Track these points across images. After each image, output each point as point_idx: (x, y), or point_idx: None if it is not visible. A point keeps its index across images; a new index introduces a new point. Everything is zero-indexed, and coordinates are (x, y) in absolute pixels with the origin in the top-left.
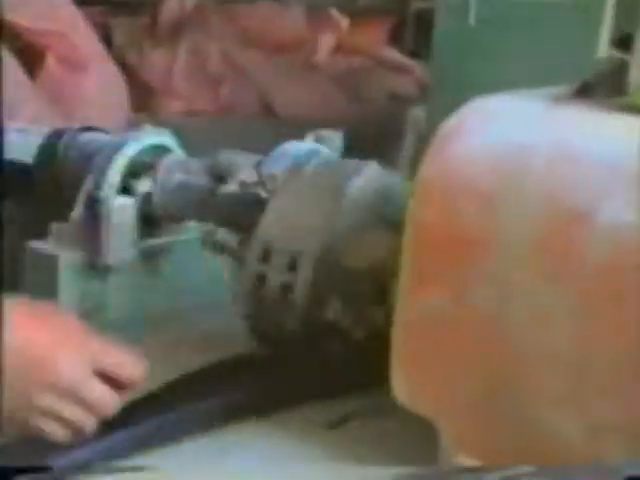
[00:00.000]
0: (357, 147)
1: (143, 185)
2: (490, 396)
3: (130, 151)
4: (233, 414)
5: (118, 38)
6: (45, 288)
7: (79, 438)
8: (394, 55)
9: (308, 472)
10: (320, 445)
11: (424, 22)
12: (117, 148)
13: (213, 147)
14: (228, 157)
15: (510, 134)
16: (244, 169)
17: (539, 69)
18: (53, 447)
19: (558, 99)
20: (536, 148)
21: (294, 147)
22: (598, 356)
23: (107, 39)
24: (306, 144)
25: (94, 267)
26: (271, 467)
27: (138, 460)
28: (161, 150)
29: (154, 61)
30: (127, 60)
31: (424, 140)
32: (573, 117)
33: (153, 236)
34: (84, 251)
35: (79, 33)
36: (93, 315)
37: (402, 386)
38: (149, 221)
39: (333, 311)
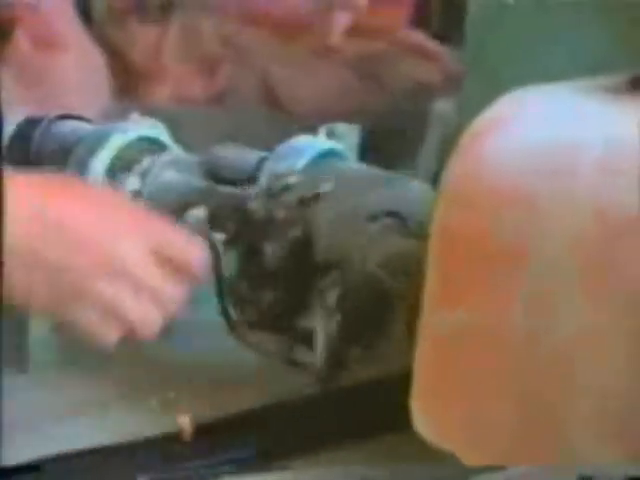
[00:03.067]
0: (375, 144)
1: (130, 183)
2: (528, 427)
3: (116, 144)
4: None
5: (98, 12)
6: None
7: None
8: (419, 39)
9: None
10: None
11: (452, 1)
12: (101, 140)
13: (207, 140)
14: (226, 152)
15: (555, 130)
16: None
17: (588, 56)
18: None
19: (609, 91)
20: (585, 147)
21: (304, 143)
22: None
23: (86, 13)
24: (318, 140)
25: None
26: None
27: None
28: (151, 143)
29: (140, 39)
30: (109, 38)
31: (452, 136)
32: (628, 112)
33: None
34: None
35: (53, 6)
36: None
37: (424, 416)
38: None
39: None
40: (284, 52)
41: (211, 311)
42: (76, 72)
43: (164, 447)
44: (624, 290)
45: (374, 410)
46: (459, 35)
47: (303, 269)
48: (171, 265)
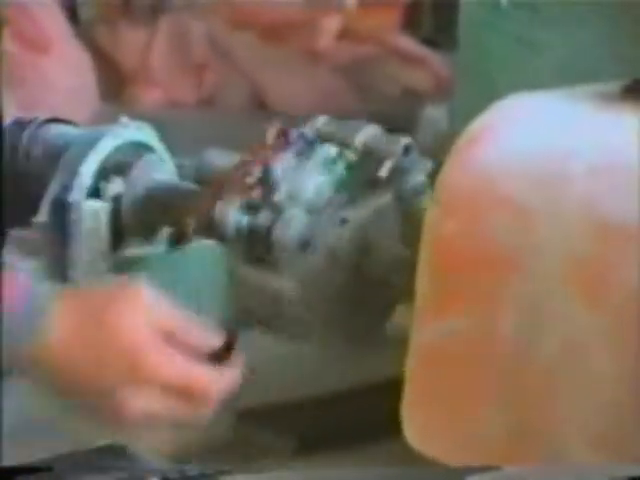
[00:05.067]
0: None
1: (113, 187)
2: (517, 436)
3: (106, 148)
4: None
5: (87, 15)
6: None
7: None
8: (408, 43)
9: None
10: None
11: (443, 5)
12: (90, 144)
13: (195, 144)
14: (214, 157)
15: (547, 138)
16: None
17: (581, 63)
18: None
19: (603, 98)
20: (577, 154)
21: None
22: None
23: (74, 16)
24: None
25: (60, 282)
26: None
27: None
28: (140, 147)
29: (129, 42)
30: (97, 41)
31: (441, 141)
32: (619, 120)
33: (127, 247)
34: (48, 263)
35: (41, 6)
36: None
37: (414, 424)
38: (122, 230)
39: None
40: (273, 55)
41: None
42: (64, 75)
43: None
44: (615, 297)
45: (371, 414)
46: (449, 40)
47: None
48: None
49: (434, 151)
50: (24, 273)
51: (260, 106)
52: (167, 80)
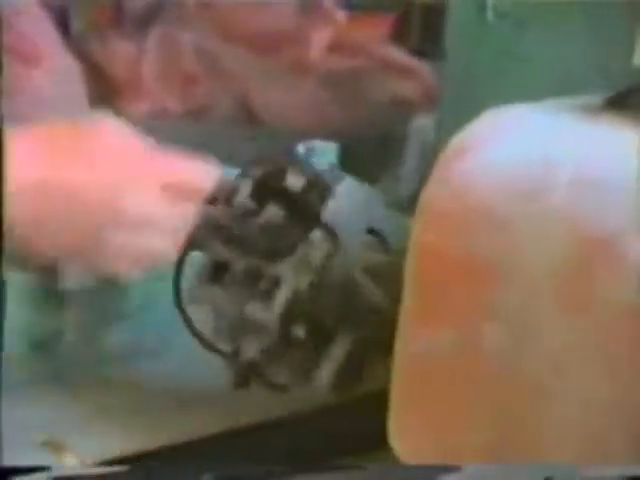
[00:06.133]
0: (353, 161)
1: None
2: (504, 446)
3: None
4: None
5: (77, 26)
6: None
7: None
8: (398, 55)
9: None
10: None
11: (432, 17)
12: None
13: (183, 155)
14: None
15: (530, 150)
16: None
17: (568, 74)
18: None
19: (586, 111)
20: (559, 166)
21: None
22: (628, 405)
23: (64, 26)
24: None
25: (48, 292)
26: None
27: None
28: None
29: (119, 54)
30: (87, 52)
31: (431, 153)
32: (603, 132)
33: None
34: (36, 273)
35: (31, 19)
36: (45, 350)
37: (400, 436)
38: None
39: None
40: (263, 67)
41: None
42: (53, 86)
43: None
44: (600, 307)
45: (356, 428)
46: (438, 51)
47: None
48: (185, 192)
49: (423, 161)
50: None
51: (249, 118)
52: (157, 92)
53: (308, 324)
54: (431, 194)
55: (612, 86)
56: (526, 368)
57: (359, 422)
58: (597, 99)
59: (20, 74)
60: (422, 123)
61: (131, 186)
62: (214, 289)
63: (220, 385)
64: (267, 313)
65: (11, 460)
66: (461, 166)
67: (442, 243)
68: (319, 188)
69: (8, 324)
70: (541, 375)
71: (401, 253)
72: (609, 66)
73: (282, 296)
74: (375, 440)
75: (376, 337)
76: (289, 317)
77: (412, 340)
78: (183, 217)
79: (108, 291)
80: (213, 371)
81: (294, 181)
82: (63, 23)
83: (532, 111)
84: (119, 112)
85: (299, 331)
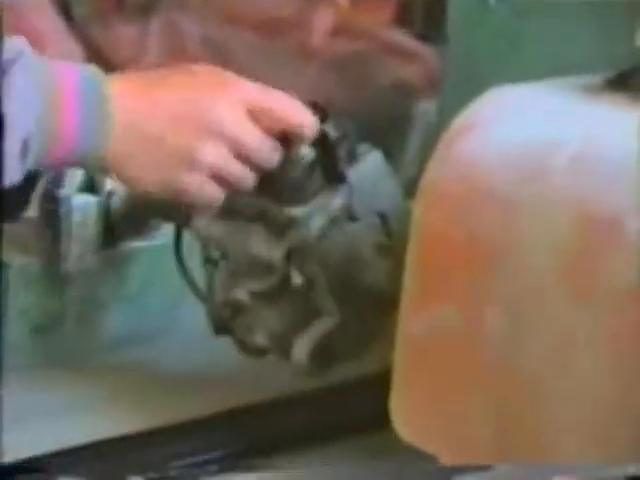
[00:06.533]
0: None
1: (109, 182)
2: (503, 431)
3: None
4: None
5: (80, 11)
6: None
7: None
8: (401, 39)
9: None
10: None
11: (434, 1)
12: None
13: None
14: None
15: (531, 130)
16: None
17: (569, 57)
18: None
19: (588, 90)
20: (561, 146)
21: None
22: (630, 392)
23: (67, 12)
24: None
25: (50, 276)
26: None
27: None
28: None
29: (122, 39)
30: (90, 37)
31: (433, 135)
32: (605, 112)
33: (119, 241)
34: (39, 257)
35: (33, 4)
36: (48, 332)
37: (402, 416)
38: (113, 224)
39: None
40: (266, 52)
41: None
42: None
43: (146, 446)
44: (603, 290)
45: (359, 407)
46: (440, 35)
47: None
48: (269, 121)
49: (427, 145)
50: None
51: None
52: None
53: (307, 275)
54: (433, 175)
55: (614, 67)
56: (529, 349)
57: (360, 402)
58: (599, 79)
59: None
60: (426, 108)
61: (220, 102)
62: (224, 224)
63: (220, 368)
64: (274, 251)
65: (10, 442)
66: (463, 146)
67: (444, 224)
68: (350, 149)
69: (9, 308)
70: (544, 357)
71: (402, 237)
72: (610, 48)
73: (293, 236)
74: (376, 420)
75: (365, 320)
76: (294, 259)
77: (414, 321)
78: (268, 144)
79: (108, 274)
80: (213, 355)
81: (331, 129)
82: (66, 9)
83: (534, 91)
84: None
85: (297, 278)
